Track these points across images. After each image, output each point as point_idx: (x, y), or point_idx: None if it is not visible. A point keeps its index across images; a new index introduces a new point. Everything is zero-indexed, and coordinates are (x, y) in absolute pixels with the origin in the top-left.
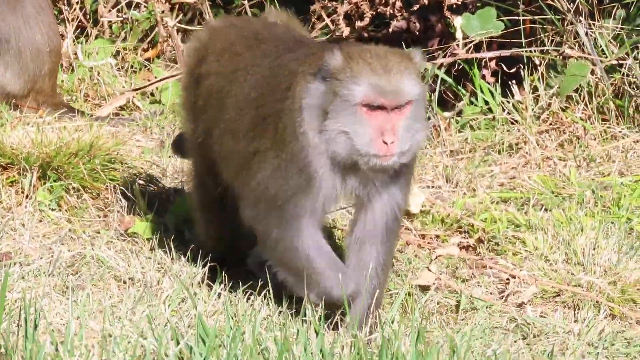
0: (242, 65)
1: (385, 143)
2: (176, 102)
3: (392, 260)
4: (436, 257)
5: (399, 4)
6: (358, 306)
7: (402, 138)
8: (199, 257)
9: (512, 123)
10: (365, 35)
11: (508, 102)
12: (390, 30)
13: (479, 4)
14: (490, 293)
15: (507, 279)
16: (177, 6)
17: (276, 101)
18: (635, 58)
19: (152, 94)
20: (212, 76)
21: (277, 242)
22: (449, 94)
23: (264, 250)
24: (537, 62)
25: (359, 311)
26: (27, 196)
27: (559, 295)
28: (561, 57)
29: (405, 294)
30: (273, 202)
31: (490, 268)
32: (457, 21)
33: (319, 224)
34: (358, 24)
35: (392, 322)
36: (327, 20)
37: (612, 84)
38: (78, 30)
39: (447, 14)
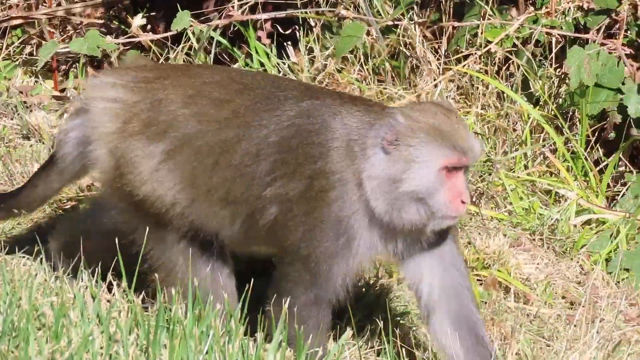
0: (243, 111)
1: (463, 202)
2: None
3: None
4: None
5: None
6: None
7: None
8: None
9: None
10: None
11: (284, 63)
12: None
13: None
14: None
15: None
16: None
17: (308, 157)
18: (410, 19)
19: None
20: (182, 124)
21: (305, 300)
22: (225, 56)
23: (279, 299)
24: (313, 24)
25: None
26: None
27: None
28: (336, 18)
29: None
30: (306, 262)
31: None
32: None
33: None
34: None
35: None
36: None
37: (387, 45)
38: None
39: None
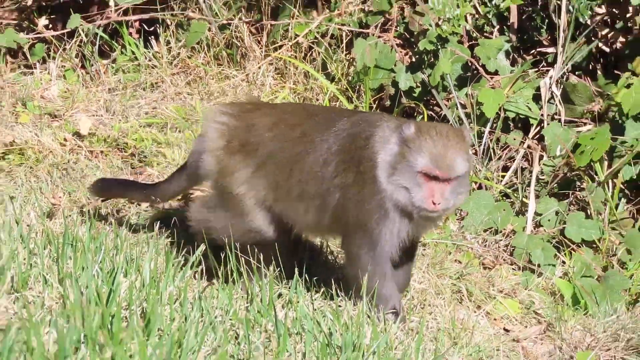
0: (309, 130)
1: (434, 203)
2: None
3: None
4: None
5: None
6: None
7: (448, 200)
8: None
9: (152, 67)
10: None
11: (149, 52)
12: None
13: None
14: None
15: None
16: None
17: (357, 148)
18: (240, 19)
19: None
20: (269, 143)
21: (369, 258)
22: (106, 47)
23: (351, 266)
24: (169, 22)
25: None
26: None
27: None
28: (186, 18)
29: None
30: (361, 226)
31: (140, 174)
32: None
33: (395, 254)
34: None
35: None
36: None
37: (224, 38)
38: None
39: None
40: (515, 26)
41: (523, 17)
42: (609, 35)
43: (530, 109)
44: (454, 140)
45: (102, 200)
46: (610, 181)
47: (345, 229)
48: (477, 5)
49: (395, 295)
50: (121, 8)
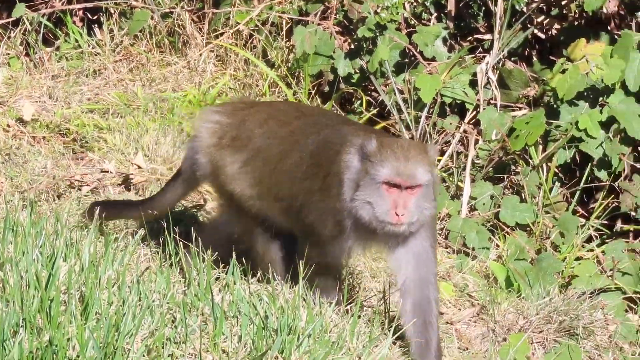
0: (296, 130)
1: (397, 215)
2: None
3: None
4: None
5: None
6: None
7: (412, 212)
8: None
9: (95, 55)
10: None
11: (92, 40)
12: None
13: None
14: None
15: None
16: None
17: (327, 160)
18: (182, 7)
19: None
20: (257, 139)
21: (318, 264)
22: (50, 35)
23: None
24: (113, 11)
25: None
26: None
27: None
28: (129, 6)
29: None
30: (315, 234)
31: (82, 159)
32: None
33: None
34: None
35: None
36: None
37: (166, 26)
38: None
39: None
40: (453, 13)
41: (460, 5)
42: (545, 22)
43: (466, 94)
44: (415, 152)
45: (100, 223)
46: (544, 165)
47: (302, 228)
48: None
49: (338, 291)
50: None
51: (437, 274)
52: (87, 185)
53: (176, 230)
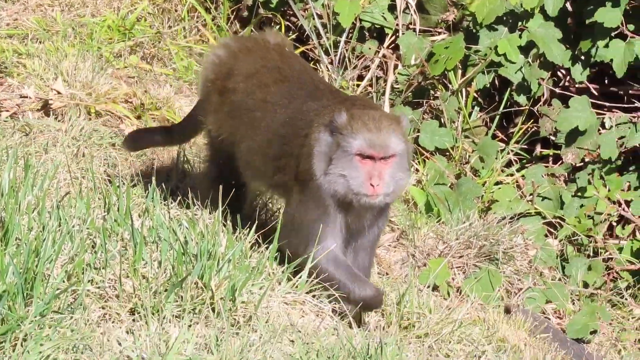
0: (271, 99)
1: (372, 185)
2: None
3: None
4: None
5: None
6: None
7: (387, 182)
8: None
9: None
10: None
11: None
12: None
13: None
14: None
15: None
16: None
17: (297, 145)
18: None
19: None
20: (239, 93)
21: (297, 245)
22: None
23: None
24: None
25: None
26: None
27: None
28: None
29: None
30: (300, 228)
31: (1, 85)
32: None
33: (339, 245)
34: None
35: None
36: None
37: None
38: None
39: None
40: None
41: None
42: None
43: (385, 18)
44: (387, 122)
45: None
46: (463, 90)
47: (284, 218)
48: None
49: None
50: None
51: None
52: (7, 110)
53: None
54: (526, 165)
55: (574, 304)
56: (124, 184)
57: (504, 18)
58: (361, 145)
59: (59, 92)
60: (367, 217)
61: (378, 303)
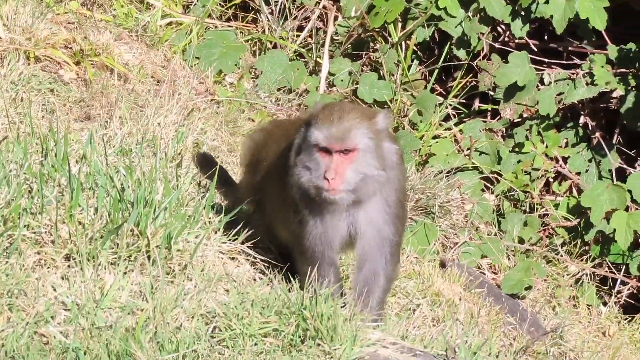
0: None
1: (327, 179)
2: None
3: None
4: None
5: None
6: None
7: (346, 178)
8: None
9: None
10: None
11: None
12: None
13: None
14: None
15: None
16: None
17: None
18: None
19: None
20: (267, 160)
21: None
22: None
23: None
24: None
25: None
26: None
27: None
28: None
29: None
30: (291, 236)
31: None
32: None
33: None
34: None
35: None
36: None
37: None
38: None
39: None
40: None
41: None
42: None
43: None
44: (354, 115)
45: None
46: (403, 43)
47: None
48: None
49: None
50: None
51: (397, 243)
52: None
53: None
54: (464, 119)
55: (509, 259)
56: (62, 129)
57: None
58: (318, 136)
59: None
60: (348, 219)
61: None
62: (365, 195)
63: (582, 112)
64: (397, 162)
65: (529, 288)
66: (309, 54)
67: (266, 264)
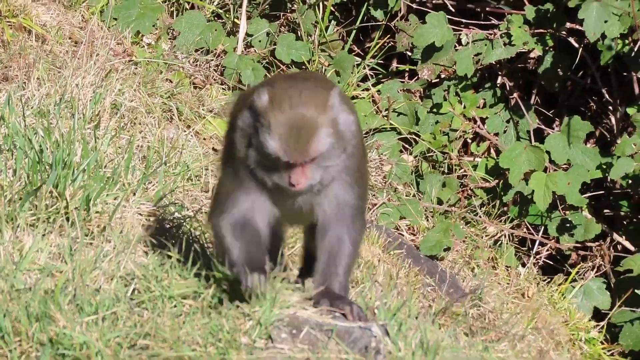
0: None
1: (292, 185)
2: None
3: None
4: None
5: None
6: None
7: (313, 175)
8: None
9: None
10: None
11: None
12: None
13: None
14: None
15: None
16: None
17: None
18: None
19: None
20: None
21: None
22: None
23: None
24: None
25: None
26: None
27: None
28: None
29: None
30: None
31: None
32: None
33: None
34: None
35: None
36: None
37: None
38: None
39: None
40: None
41: None
42: None
43: None
44: (310, 108)
45: None
46: (320, 3)
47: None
48: None
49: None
50: None
51: (359, 207)
52: None
53: None
54: (382, 80)
55: (427, 220)
56: None
57: None
58: (276, 149)
59: None
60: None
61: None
62: (330, 180)
63: (499, 73)
64: (356, 131)
65: (447, 249)
66: (227, 15)
67: (186, 224)
